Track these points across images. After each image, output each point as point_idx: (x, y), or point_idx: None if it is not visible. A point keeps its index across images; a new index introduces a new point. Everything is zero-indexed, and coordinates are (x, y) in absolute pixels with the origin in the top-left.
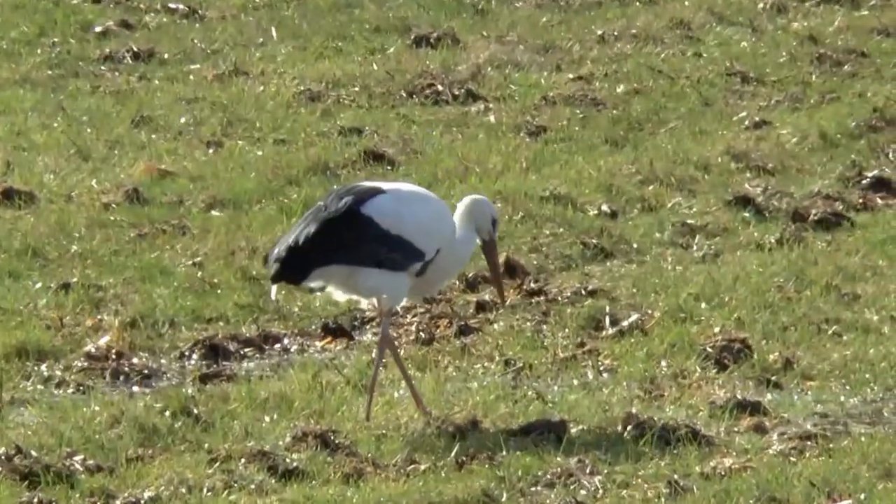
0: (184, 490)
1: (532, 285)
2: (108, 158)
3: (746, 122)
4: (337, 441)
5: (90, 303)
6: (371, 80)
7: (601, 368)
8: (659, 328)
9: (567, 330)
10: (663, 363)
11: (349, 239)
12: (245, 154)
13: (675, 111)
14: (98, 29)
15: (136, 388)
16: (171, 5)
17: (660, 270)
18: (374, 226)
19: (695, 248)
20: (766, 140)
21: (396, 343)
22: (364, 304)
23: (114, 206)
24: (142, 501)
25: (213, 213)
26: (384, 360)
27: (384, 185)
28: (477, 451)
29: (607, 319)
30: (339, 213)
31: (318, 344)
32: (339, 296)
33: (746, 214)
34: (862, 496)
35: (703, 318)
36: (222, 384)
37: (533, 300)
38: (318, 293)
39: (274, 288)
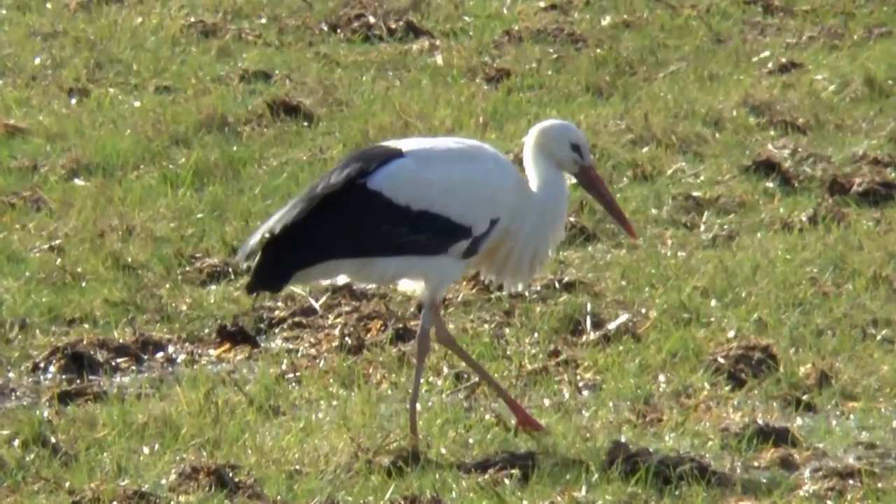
0: None
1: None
2: None
3: (770, 65)
4: (237, 479)
5: None
6: (282, 10)
7: (580, 384)
8: (655, 332)
9: (536, 334)
10: (661, 378)
11: (350, 223)
12: (118, 105)
13: (678, 50)
14: None
15: None
16: None
17: (657, 257)
18: (384, 203)
19: (703, 228)
20: (795, 88)
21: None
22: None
23: None
24: None
25: (77, 181)
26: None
27: (409, 144)
28: (419, 493)
29: (588, 321)
30: (336, 188)
31: (213, 353)
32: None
33: (770, 184)
34: None
35: (712, 319)
36: (88, 405)
37: (492, 296)
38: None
39: (252, 298)
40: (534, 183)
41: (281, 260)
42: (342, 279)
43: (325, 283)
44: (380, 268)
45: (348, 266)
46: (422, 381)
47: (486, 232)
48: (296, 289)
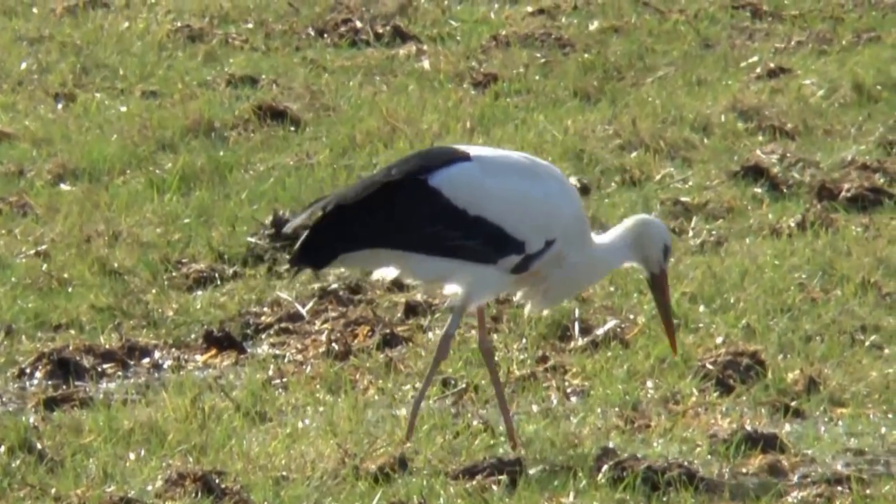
0: None
1: None
2: None
3: (758, 70)
4: (223, 485)
5: None
6: (269, 15)
7: (569, 390)
8: (643, 338)
9: (524, 340)
10: (649, 384)
11: (403, 216)
12: (104, 110)
13: (666, 55)
14: None
15: None
16: None
17: None
18: (442, 201)
19: (691, 233)
20: (783, 93)
21: (306, 355)
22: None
23: None
24: None
25: (63, 187)
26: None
27: (477, 151)
28: (406, 499)
29: (576, 326)
30: (396, 179)
31: (199, 358)
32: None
33: (758, 190)
34: None
35: (701, 325)
36: (74, 411)
37: None
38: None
39: (292, 273)
40: (605, 238)
41: (329, 239)
42: (384, 271)
43: (367, 271)
44: (425, 266)
45: (394, 259)
46: (427, 386)
47: (540, 251)
48: (282, 294)
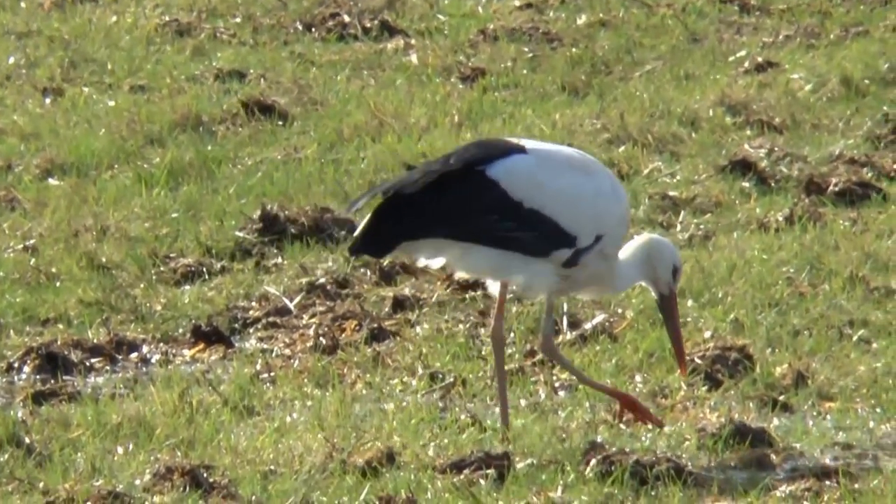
0: None
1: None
2: None
3: (746, 64)
4: (211, 479)
5: None
6: (256, 9)
7: (556, 385)
8: (632, 333)
9: (512, 334)
10: (638, 378)
11: (461, 206)
12: (92, 105)
13: (654, 50)
14: None
15: None
16: None
17: None
18: (499, 192)
19: (679, 227)
20: (771, 87)
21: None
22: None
23: None
24: None
25: (51, 181)
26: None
27: (531, 143)
28: (393, 494)
29: (565, 321)
30: (454, 169)
31: (187, 353)
32: (464, 274)
33: (746, 184)
34: None
35: (689, 319)
36: (62, 405)
37: (466, 295)
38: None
39: (351, 260)
40: (623, 254)
41: (389, 229)
42: (443, 263)
43: (426, 262)
44: (481, 257)
45: (451, 249)
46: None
47: (589, 246)
48: (270, 289)
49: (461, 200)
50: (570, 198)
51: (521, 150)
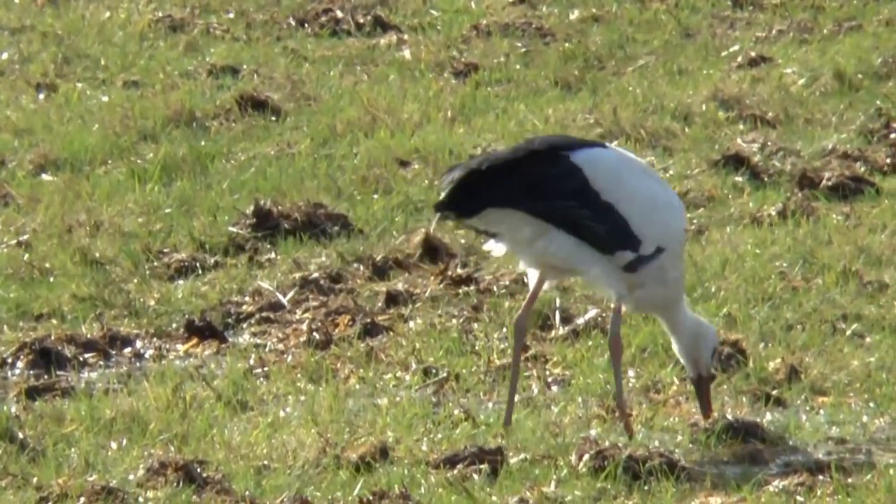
0: None
1: (459, 271)
2: None
3: (739, 59)
4: (205, 474)
5: None
6: (250, 4)
7: (549, 380)
8: (624, 328)
9: (505, 329)
10: (630, 373)
11: (545, 185)
12: (86, 100)
13: (647, 44)
14: None
15: None
16: None
17: None
18: (581, 179)
19: None
20: (764, 82)
21: (284, 346)
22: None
23: None
24: None
25: (45, 177)
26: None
27: (609, 145)
28: (387, 489)
29: (557, 316)
30: (541, 149)
31: (181, 348)
32: (534, 274)
33: (739, 179)
34: None
35: None
36: (56, 400)
37: (460, 290)
38: (493, 251)
39: (435, 219)
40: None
41: (478, 191)
42: (522, 251)
43: (507, 246)
44: (556, 241)
45: (528, 227)
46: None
47: (650, 255)
48: (263, 284)
49: (544, 179)
50: (643, 200)
51: (601, 145)
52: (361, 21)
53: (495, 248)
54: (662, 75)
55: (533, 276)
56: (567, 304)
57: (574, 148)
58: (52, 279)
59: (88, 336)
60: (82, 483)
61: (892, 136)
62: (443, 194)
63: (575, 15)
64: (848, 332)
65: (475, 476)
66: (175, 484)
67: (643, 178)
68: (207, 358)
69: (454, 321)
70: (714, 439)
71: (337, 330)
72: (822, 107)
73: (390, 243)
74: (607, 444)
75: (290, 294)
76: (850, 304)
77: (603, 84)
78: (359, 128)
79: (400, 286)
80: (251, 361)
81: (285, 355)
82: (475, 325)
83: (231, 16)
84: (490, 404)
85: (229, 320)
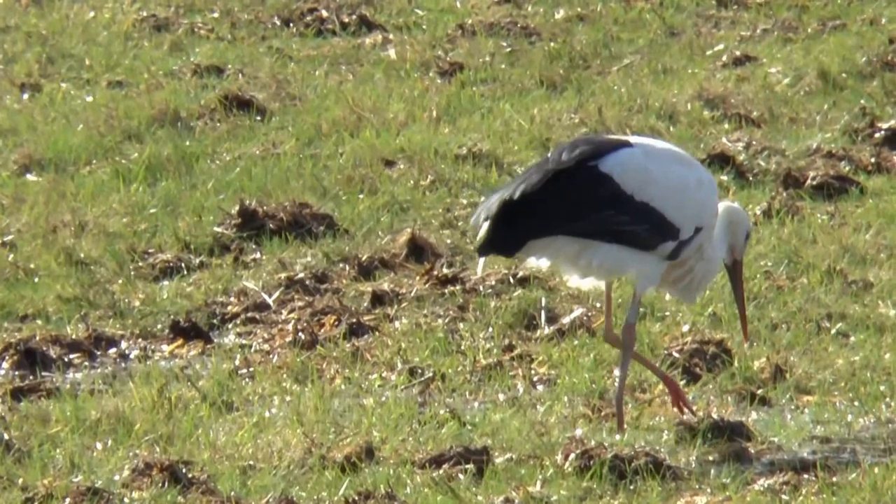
0: None
1: (445, 271)
2: None
3: (724, 58)
4: (190, 475)
5: None
6: (234, 4)
7: (535, 379)
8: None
9: (491, 329)
10: (616, 372)
11: (579, 202)
12: (70, 100)
13: (632, 44)
14: None
15: None
16: None
17: None
18: (613, 186)
19: None
20: (749, 81)
21: (272, 345)
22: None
23: None
24: None
25: (29, 177)
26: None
27: (634, 139)
28: (373, 489)
29: (542, 315)
30: (568, 166)
31: (166, 348)
32: (578, 281)
33: (724, 178)
34: None
35: (667, 313)
36: (41, 401)
37: (446, 290)
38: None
39: (481, 262)
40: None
41: (516, 226)
42: (566, 267)
43: (550, 262)
44: (600, 254)
45: (571, 247)
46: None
47: (690, 238)
48: (249, 284)
49: (577, 196)
50: (675, 189)
51: (627, 144)
52: (346, 20)
53: (537, 263)
54: (647, 74)
55: (599, 285)
56: (553, 304)
57: (600, 154)
58: (36, 280)
59: (73, 337)
60: (68, 484)
61: (877, 135)
62: (481, 233)
63: (560, 14)
64: (832, 332)
65: (461, 476)
66: (160, 484)
67: (671, 166)
68: (193, 358)
69: (440, 321)
70: (699, 438)
71: (322, 330)
72: (806, 106)
73: (376, 243)
74: (593, 443)
75: (276, 294)
76: (835, 304)
77: (588, 83)
78: (344, 127)
79: (385, 286)
80: (236, 362)
81: (271, 356)
82: (461, 325)
83: (216, 15)
84: (476, 404)
85: (214, 321)
